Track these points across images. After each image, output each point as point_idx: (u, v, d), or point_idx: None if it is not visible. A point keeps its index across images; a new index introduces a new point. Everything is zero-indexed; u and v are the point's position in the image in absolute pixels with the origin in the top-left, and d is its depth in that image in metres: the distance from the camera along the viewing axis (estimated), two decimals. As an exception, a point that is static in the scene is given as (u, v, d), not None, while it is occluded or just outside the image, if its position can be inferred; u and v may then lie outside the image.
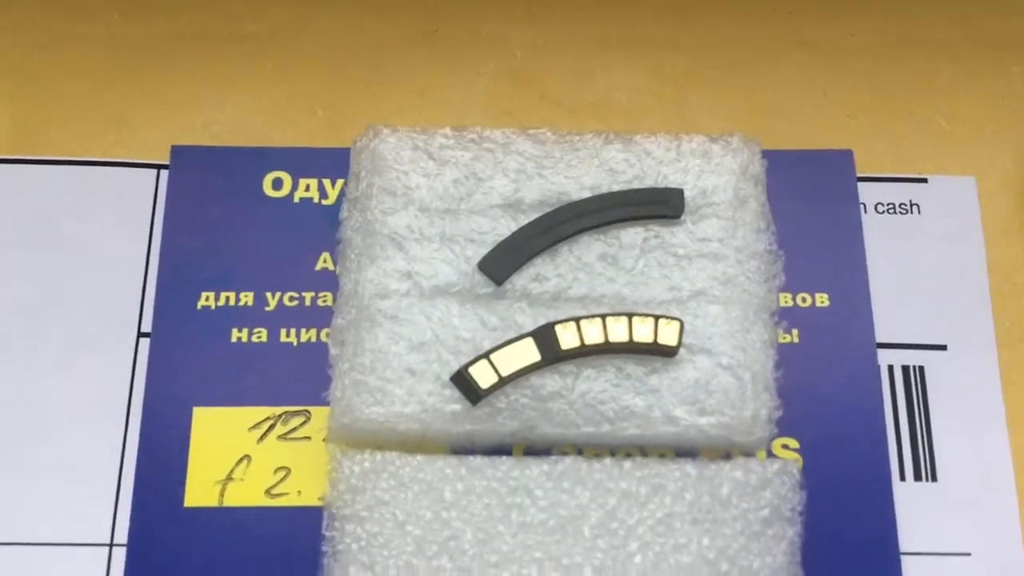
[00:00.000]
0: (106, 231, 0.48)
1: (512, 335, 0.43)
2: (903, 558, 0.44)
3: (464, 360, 0.42)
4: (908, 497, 0.45)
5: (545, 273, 0.44)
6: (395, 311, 0.43)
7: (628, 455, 0.43)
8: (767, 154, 0.48)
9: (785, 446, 0.45)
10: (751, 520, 0.41)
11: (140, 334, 0.47)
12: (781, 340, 0.46)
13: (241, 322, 0.47)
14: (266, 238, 0.48)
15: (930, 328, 0.48)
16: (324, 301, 0.47)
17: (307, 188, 0.49)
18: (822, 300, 0.48)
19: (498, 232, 0.45)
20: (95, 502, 0.44)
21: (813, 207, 0.49)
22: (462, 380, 0.42)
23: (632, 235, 0.45)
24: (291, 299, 0.47)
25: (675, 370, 0.43)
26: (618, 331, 0.42)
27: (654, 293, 0.44)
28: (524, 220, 0.45)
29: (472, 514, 0.41)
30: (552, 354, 0.42)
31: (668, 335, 0.42)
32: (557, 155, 0.46)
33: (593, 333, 0.42)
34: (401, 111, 0.51)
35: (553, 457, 0.42)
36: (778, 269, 0.46)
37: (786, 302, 0.47)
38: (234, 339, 0.46)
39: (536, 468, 0.42)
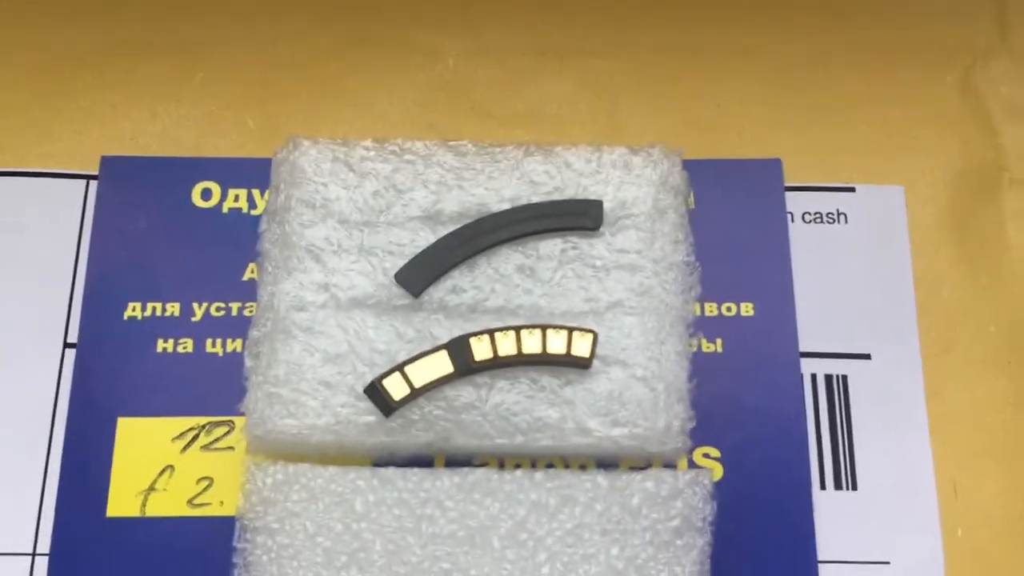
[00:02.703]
0: (34, 241, 0.48)
1: (428, 347, 0.43)
2: (821, 566, 0.44)
3: (379, 372, 0.42)
4: (828, 506, 0.45)
5: (462, 285, 0.44)
6: (311, 323, 0.44)
7: (549, 466, 0.44)
8: (697, 163, 0.48)
9: (706, 455, 0.45)
10: (660, 531, 0.41)
11: (66, 344, 0.47)
12: (705, 349, 0.47)
13: (167, 332, 0.47)
14: (194, 248, 0.48)
15: (854, 338, 0.48)
16: (251, 311, 0.47)
17: (236, 198, 0.49)
18: (747, 309, 0.48)
19: (417, 244, 0.45)
20: (18, 512, 0.44)
21: (741, 216, 0.49)
22: (375, 392, 0.42)
23: (551, 246, 0.45)
24: (218, 309, 0.47)
25: (589, 381, 0.43)
26: (532, 343, 0.42)
27: (571, 304, 0.44)
28: (443, 232, 0.45)
29: (382, 525, 0.41)
30: (465, 366, 0.42)
31: (582, 347, 0.42)
32: (478, 167, 0.46)
33: (507, 345, 0.42)
34: (332, 122, 0.51)
35: (465, 468, 0.42)
36: (695, 281, 0.46)
37: (711, 311, 0.47)
38: (160, 349, 0.46)
39: (447, 480, 0.42)
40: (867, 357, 0.48)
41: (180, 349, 0.46)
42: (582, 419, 0.43)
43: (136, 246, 0.48)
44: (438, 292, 0.44)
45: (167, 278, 0.48)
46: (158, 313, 0.47)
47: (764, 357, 0.47)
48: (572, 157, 0.47)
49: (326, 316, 0.44)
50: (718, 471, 0.45)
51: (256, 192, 0.49)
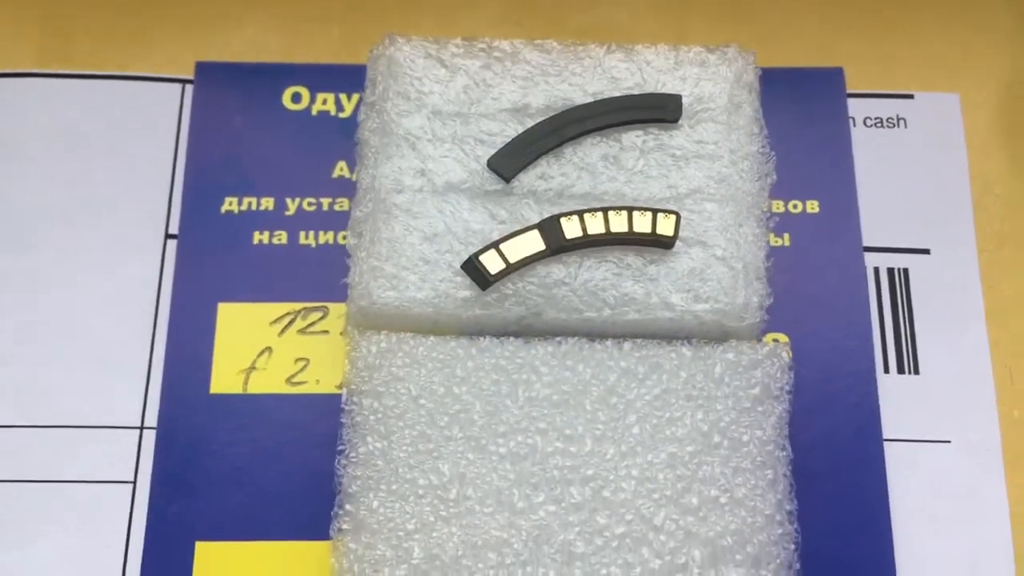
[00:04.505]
0: (135, 141, 0.51)
1: (519, 228, 0.45)
2: (886, 444, 0.46)
3: (474, 250, 0.45)
4: (891, 388, 0.48)
5: (550, 172, 0.47)
6: (409, 205, 0.46)
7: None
8: (764, 71, 0.50)
9: (775, 341, 0.47)
10: (741, 397, 0.44)
11: (167, 236, 0.49)
12: (773, 243, 0.49)
13: (263, 225, 0.49)
14: (286, 148, 0.51)
15: (914, 233, 0.50)
16: (340, 206, 0.49)
17: (324, 102, 0.51)
18: (812, 207, 0.50)
19: (506, 134, 0.47)
20: (127, 389, 0.47)
21: (806, 121, 0.52)
22: (472, 267, 0.44)
23: (633, 138, 0.47)
24: (309, 204, 0.50)
25: (672, 260, 0.45)
26: (619, 223, 0.44)
27: (653, 191, 0.47)
28: (531, 124, 0.47)
29: (481, 389, 0.44)
30: (557, 244, 0.44)
31: (666, 226, 0.45)
32: (562, 63, 0.49)
33: (595, 224, 0.44)
34: (413, 32, 0.51)
35: (557, 338, 0.45)
36: (770, 169, 0.48)
37: (778, 208, 0.50)
38: (256, 241, 0.49)
39: (541, 348, 0.44)
40: (926, 252, 0.50)
41: (275, 241, 0.49)
42: (666, 294, 0.45)
43: (231, 146, 0.50)
44: (527, 178, 0.47)
45: (261, 176, 0.50)
46: (253, 207, 0.50)
47: (829, 251, 0.49)
48: (651, 55, 0.49)
49: (423, 198, 0.46)
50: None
51: (343, 96, 0.52)
